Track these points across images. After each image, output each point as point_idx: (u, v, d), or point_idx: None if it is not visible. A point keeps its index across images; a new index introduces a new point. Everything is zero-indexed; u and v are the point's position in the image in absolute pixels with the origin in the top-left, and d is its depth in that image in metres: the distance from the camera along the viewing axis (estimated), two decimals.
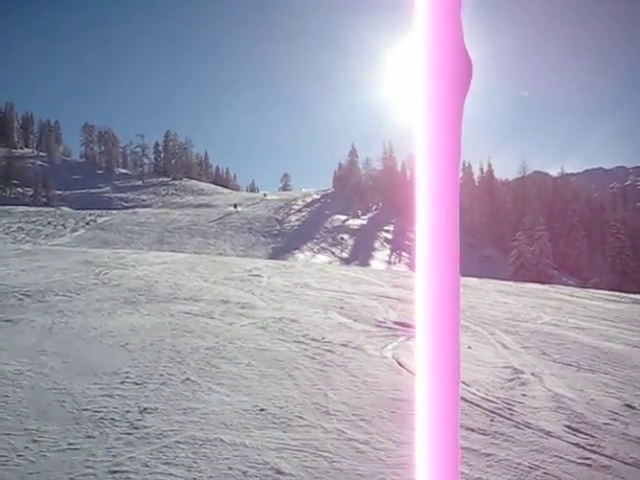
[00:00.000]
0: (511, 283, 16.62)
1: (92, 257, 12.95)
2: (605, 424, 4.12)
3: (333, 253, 56.59)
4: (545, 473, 3.24)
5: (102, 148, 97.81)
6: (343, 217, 71.26)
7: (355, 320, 7.48)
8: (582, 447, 3.67)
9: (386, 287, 11.31)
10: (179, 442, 3.37)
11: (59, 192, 74.52)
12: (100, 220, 55.31)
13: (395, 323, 7.31)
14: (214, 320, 6.90)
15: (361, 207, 77.26)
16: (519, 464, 3.34)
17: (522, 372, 5.36)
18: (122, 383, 4.40)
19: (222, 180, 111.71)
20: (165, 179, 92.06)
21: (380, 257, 59.77)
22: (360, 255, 57.58)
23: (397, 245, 63.67)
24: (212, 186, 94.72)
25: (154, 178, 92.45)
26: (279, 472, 3.06)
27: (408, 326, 6.99)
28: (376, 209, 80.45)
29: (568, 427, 4.01)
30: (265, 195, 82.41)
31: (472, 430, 3.80)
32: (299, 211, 71.90)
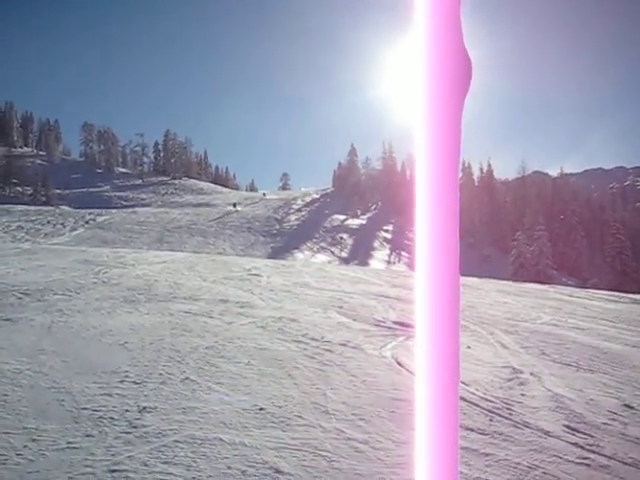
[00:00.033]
0: (511, 283, 16.63)
1: (91, 256, 12.95)
2: (604, 424, 4.13)
3: (332, 253, 56.57)
4: (544, 473, 3.24)
5: (102, 147, 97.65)
6: (342, 217, 71.23)
7: (354, 320, 7.48)
8: (581, 447, 3.67)
9: (385, 287, 11.31)
10: (178, 441, 3.37)
11: (58, 191, 74.43)
12: (99, 219, 55.26)
13: (394, 323, 7.32)
14: (213, 319, 6.90)
15: (360, 207, 77.24)
16: (518, 464, 3.34)
17: (521, 372, 5.36)
18: (121, 382, 4.40)
19: (221, 179, 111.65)
20: (165, 178, 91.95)
21: (379, 257, 59.74)
22: (359, 255, 57.56)
23: (396, 245, 63.66)
24: (212, 185, 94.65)
25: (154, 177, 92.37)
26: (278, 471, 3.06)
27: (407, 326, 6.99)
28: (375, 209, 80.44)
29: (567, 427, 4.02)
30: (264, 194, 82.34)
31: (471, 430, 3.80)
32: (298, 210, 71.87)
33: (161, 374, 4.65)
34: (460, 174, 0.48)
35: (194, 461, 3.13)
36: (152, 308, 7.35)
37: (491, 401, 4.45)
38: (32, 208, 58.74)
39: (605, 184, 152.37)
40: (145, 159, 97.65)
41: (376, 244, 64.52)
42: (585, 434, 3.90)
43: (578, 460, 3.46)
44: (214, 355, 5.31)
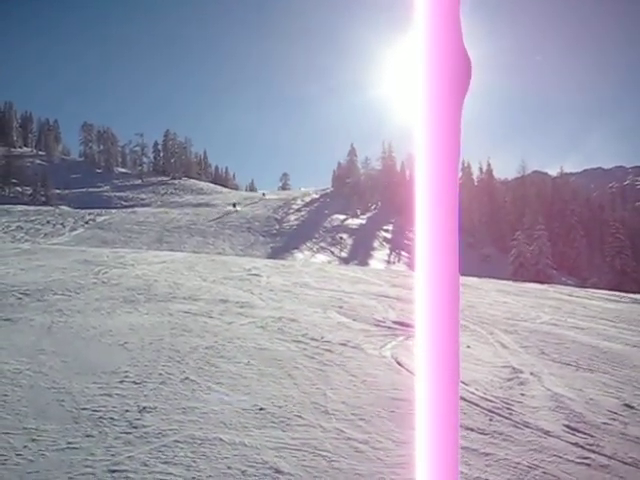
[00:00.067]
0: (510, 283, 16.64)
1: (91, 256, 12.95)
2: (604, 424, 4.13)
3: (332, 252, 56.57)
4: (544, 472, 3.24)
5: (101, 147, 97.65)
6: (342, 216, 71.23)
7: (354, 319, 7.48)
8: (581, 447, 3.67)
9: (385, 286, 11.31)
10: (178, 441, 3.37)
11: (58, 191, 74.40)
12: (99, 219, 55.26)
13: (394, 322, 7.32)
14: (213, 319, 6.90)
15: (360, 206, 77.24)
16: (518, 463, 3.34)
17: (521, 371, 5.37)
18: (121, 382, 4.39)
19: (221, 179, 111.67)
20: (164, 178, 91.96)
21: (379, 257, 59.75)
22: (359, 255, 57.56)
23: (396, 245, 63.67)
24: (211, 185, 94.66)
25: (153, 177, 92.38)
26: (278, 471, 3.06)
27: (407, 325, 7.00)
28: (375, 208, 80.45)
29: (567, 427, 4.02)
30: (264, 194, 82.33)
31: (471, 429, 3.80)
32: (298, 210, 71.86)
33: (161, 374, 4.65)
34: (460, 174, 0.48)
35: (194, 461, 3.13)
36: (152, 308, 7.35)
37: (491, 401, 4.45)
38: (32, 208, 58.73)
39: (605, 184, 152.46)
40: (145, 159, 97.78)
41: (376, 244, 64.53)
42: (585, 434, 3.90)
43: (578, 460, 3.46)
44: (214, 355, 5.31)
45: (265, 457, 3.22)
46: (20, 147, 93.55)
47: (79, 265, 11.11)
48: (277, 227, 61.55)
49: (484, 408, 4.27)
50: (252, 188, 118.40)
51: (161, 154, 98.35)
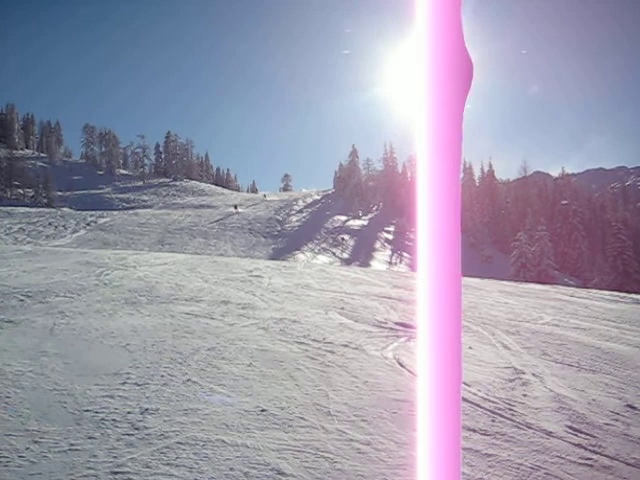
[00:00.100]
0: (512, 283, 16.62)
1: (93, 258, 12.96)
2: (607, 424, 4.12)
3: (334, 254, 56.55)
4: (547, 474, 3.24)
5: (103, 149, 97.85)
6: (344, 218, 71.23)
7: (356, 321, 7.47)
8: (584, 447, 3.66)
9: (387, 288, 11.30)
10: (180, 443, 3.37)
11: (60, 193, 74.52)
12: (101, 221, 55.34)
13: (396, 324, 7.31)
14: (215, 321, 6.90)
15: (362, 207, 77.23)
16: (520, 464, 3.33)
17: (523, 372, 5.36)
18: (123, 384, 4.40)
19: (223, 181, 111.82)
20: (166, 180, 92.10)
21: (381, 258, 59.71)
22: (361, 256, 57.56)
23: (398, 246, 63.62)
24: (213, 187, 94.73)
25: (155, 179, 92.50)
26: (280, 473, 3.06)
27: (409, 327, 6.99)
28: (377, 209, 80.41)
29: (569, 427, 4.01)
30: (265, 196, 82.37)
31: (473, 431, 3.80)
32: (300, 212, 71.87)
33: (163, 376, 4.65)
34: (461, 174, 0.48)
35: (196, 463, 3.12)
36: (153, 310, 7.36)
37: (493, 402, 4.44)
38: (33, 210, 58.88)
39: (606, 184, 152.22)
40: (146, 161, 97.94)
41: (377, 245, 64.48)
42: (587, 435, 3.89)
43: (581, 461, 3.45)
44: (216, 356, 5.31)
45: (267, 459, 3.22)
46: (22, 149, 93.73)
47: (81, 267, 11.12)
48: (279, 228, 61.57)
49: (486, 409, 4.26)
50: (254, 189, 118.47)
51: (163, 156, 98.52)
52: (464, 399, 4.39)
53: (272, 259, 37.37)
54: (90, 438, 3.36)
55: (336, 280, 12.09)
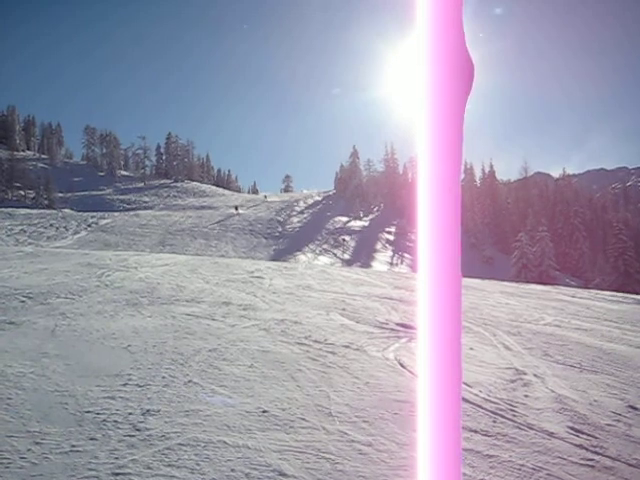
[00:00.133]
0: (513, 284, 16.61)
1: (94, 259, 12.97)
2: (608, 425, 4.11)
3: (335, 255, 56.53)
4: (548, 474, 3.23)
5: (104, 150, 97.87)
6: (345, 218, 71.21)
7: (357, 322, 7.47)
8: (585, 448, 3.66)
9: (388, 288, 11.30)
10: (182, 444, 3.37)
11: (61, 194, 74.52)
12: (102, 222, 55.35)
13: (397, 325, 7.31)
14: (216, 322, 6.91)
15: (363, 208, 77.21)
16: (522, 465, 3.33)
17: (524, 373, 5.35)
18: (124, 385, 4.40)
19: (224, 182, 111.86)
20: (167, 181, 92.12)
21: (382, 258, 59.67)
22: (362, 257, 57.53)
23: (399, 246, 63.58)
24: (214, 188, 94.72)
25: (156, 180, 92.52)
26: (282, 474, 3.06)
27: (410, 327, 6.99)
28: (378, 210, 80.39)
29: (571, 428, 4.00)
30: (265, 197, 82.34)
31: (475, 431, 3.80)
32: (301, 213, 71.85)
33: (164, 377, 4.65)
34: (462, 175, 0.48)
35: (198, 464, 3.12)
36: (155, 311, 7.36)
37: (495, 402, 4.44)
38: (35, 211, 58.90)
39: (607, 184, 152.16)
40: (147, 162, 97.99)
41: (378, 246, 64.43)
42: (589, 435, 3.89)
43: (582, 462, 3.45)
44: (217, 358, 5.31)
45: (269, 460, 3.22)
46: (23, 150, 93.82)
47: (82, 268, 11.13)
48: (280, 229, 61.55)
49: (488, 410, 4.26)
50: (254, 190, 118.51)
51: (163, 157, 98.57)
52: (465, 400, 4.39)
53: (273, 260, 37.37)
54: (91, 439, 3.36)
55: (337, 281, 12.09)
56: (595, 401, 4.66)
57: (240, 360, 5.28)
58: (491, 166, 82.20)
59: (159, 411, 3.88)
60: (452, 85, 0.45)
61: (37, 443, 3.28)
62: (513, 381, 5.09)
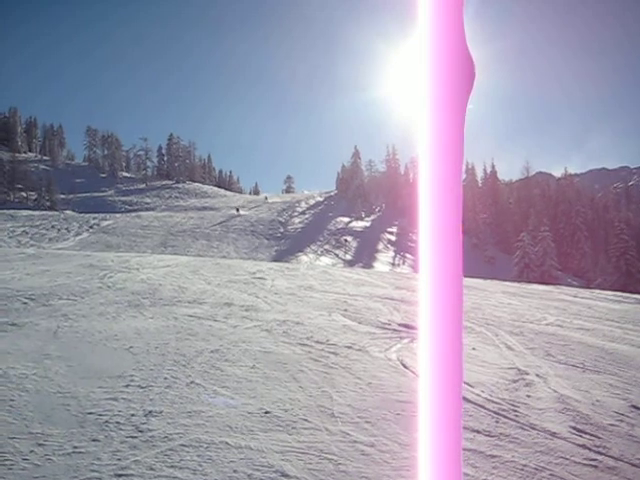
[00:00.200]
0: (515, 284, 16.59)
1: (96, 260, 12.99)
2: (611, 425, 4.11)
3: (337, 255, 56.52)
4: (551, 475, 3.23)
5: (105, 152, 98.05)
6: (346, 219, 71.19)
7: (359, 322, 7.47)
8: (588, 448, 3.65)
9: (390, 289, 11.30)
10: (184, 445, 3.37)
11: (63, 196, 74.60)
12: (104, 223, 55.41)
13: (399, 325, 7.30)
14: (218, 323, 6.91)
15: (364, 209, 77.18)
16: (525, 465, 3.32)
17: (527, 373, 5.35)
18: (127, 386, 4.40)
19: (225, 183, 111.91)
20: (168, 182, 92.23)
21: (384, 259, 59.64)
22: (364, 257, 57.51)
23: (401, 247, 63.55)
24: (215, 189, 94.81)
25: (157, 181, 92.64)
26: (284, 475, 3.06)
27: (412, 328, 6.99)
28: (379, 211, 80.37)
29: (574, 428, 4.00)
30: (266, 198, 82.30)
31: (477, 432, 3.79)
32: (302, 213, 71.85)
33: (166, 378, 4.65)
34: (464, 175, 0.48)
35: (200, 465, 3.12)
36: (157, 312, 7.36)
37: (497, 403, 4.43)
38: (36, 213, 58.98)
39: (609, 184, 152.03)
40: (149, 163, 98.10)
41: (380, 246, 64.41)
42: (592, 435, 3.88)
43: (585, 462, 3.44)
44: (219, 359, 5.32)
45: (271, 460, 3.22)
46: (25, 152, 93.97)
47: (84, 269, 11.14)
48: (281, 230, 61.56)
49: (490, 410, 4.25)
50: (256, 191, 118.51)
51: (165, 158, 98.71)
52: (468, 400, 4.38)
53: (275, 261, 37.39)
54: (94, 441, 3.36)
55: (339, 282, 12.09)
56: (598, 401, 4.65)
57: (242, 361, 5.28)
58: (493, 166, 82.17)
59: (161, 412, 3.88)
60: (453, 84, 0.45)
61: (40, 444, 3.29)
62: (515, 381, 5.08)
